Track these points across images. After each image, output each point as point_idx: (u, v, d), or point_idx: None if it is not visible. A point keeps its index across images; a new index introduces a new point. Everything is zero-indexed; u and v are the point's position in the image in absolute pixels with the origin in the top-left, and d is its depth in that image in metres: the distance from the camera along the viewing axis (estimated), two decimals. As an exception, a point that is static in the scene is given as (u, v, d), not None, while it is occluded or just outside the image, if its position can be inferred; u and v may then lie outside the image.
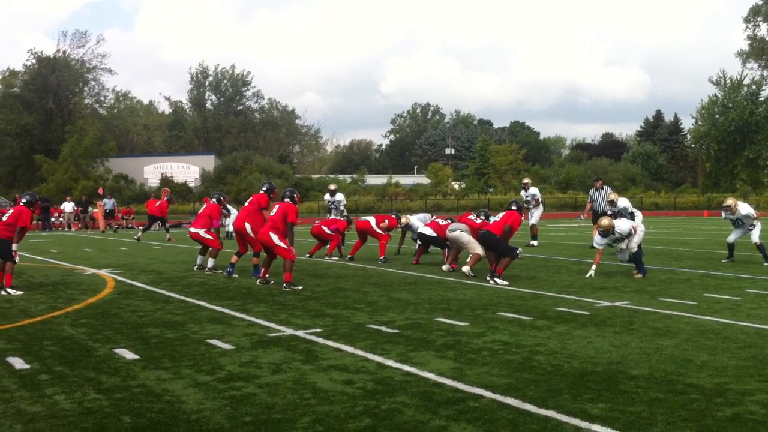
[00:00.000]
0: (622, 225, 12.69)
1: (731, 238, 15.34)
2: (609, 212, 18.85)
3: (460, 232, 13.27)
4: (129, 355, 6.72)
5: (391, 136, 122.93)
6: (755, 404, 5.04)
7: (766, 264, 14.29)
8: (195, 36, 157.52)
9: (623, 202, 16.39)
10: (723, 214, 15.47)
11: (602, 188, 19.60)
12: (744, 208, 15.01)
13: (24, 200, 11.48)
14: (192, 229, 14.39)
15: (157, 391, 5.49)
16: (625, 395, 5.29)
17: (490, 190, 71.09)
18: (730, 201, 15.19)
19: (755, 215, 15.10)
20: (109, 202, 34.79)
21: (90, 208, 37.88)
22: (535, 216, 20.09)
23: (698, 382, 5.62)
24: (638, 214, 15.17)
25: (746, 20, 77.41)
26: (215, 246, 14.04)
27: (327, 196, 20.39)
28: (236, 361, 6.42)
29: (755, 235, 14.84)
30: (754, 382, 5.63)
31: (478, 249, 12.94)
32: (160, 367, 6.24)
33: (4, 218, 11.13)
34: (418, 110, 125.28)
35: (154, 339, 7.48)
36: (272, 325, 8.25)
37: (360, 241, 16.55)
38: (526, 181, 21.02)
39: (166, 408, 5.08)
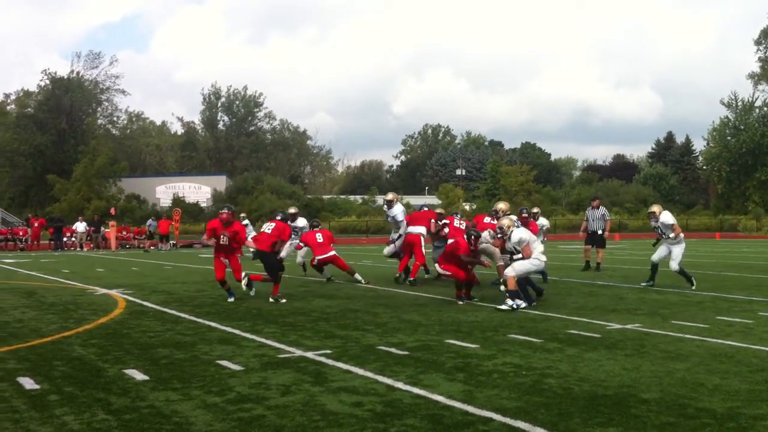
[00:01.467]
0: (515, 234, 11.61)
1: (655, 257, 14.70)
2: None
3: (485, 244, 13.22)
4: (139, 375, 6.73)
5: (402, 157, 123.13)
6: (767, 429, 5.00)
7: (693, 287, 13.88)
8: (208, 57, 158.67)
9: (542, 220, 17.13)
10: (652, 223, 14.70)
11: (598, 208, 19.52)
12: (665, 216, 14.32)
13: (279, 217, 13.46)
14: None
15: (166, 412, 5.49)
16: (637, 419, 5.25)
17: (501, 212, 70.83)
18: (655, 208, 14.63)
19: (674, 226, 14.29)
20: (153, 224, 35.57)
21: (102, 228, 38.07)
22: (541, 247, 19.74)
23: (710, 406, 5.57)
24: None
25: (757, 42, 77.50)
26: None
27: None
28: (246, 383, 6.41)
29: (674, 263, 14.17)
30: (766, 406, 5.58)
31: (500, 261, 13.08)
32: (170, 388, 6.23)
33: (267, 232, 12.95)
34: (429, 131, 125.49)
35: (163, 359, 7.49)
36: (282, 346, 8.24)
37: (407, 256, 15.78)
38: (535, 210, 20.57)
39: (175, 429, 5.07)
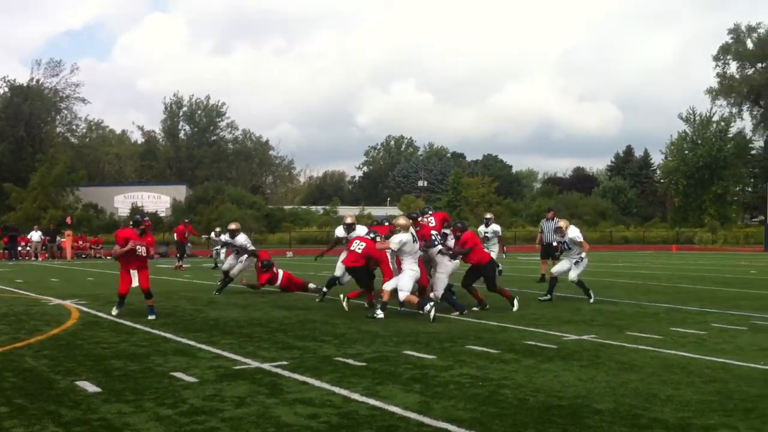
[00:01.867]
0: (394, 238, 11.74)
1: (555, 270, 14.56)
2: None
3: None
4: (91, 387, 6.61)
5: (365, 168, 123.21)
6: (718, 439, 5.06)
7: (591, 301, 13.81)
8: (172, 66, 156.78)
9: (494, 227, 18.34)
10: (555, 237, 14.70)
11: (553, 219, 19.50)
12: (573, 232, 14.08)
13: (371, 236, 12.88)
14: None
15: (118, 425, 5.40)
16: (590, 430, 5.28)
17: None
18: (561, 223, 14.42)
19: (583, 243, 14.09)
20: None
21: (58, 238, 37.49)
22: (494, 252, 18.36)
23: (662, 417, 5.63)
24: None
25: (716, 58, 79.00)
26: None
27: (225, 237, 17.21)
28: (200, 395, 6.34)
29: (573, 273, 14.05)
30: (718, 416, 5.65)
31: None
32: (122, 400, 6.14)
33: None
34: (392, 142, 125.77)
35: (117, 371, 7.37)
36: (238, 357, 8.17)
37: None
38: (488, 216, 19.59)
39: (126, 442, 4.99)
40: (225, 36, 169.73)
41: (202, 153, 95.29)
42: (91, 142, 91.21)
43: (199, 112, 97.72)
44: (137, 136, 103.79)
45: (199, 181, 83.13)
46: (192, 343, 9.19)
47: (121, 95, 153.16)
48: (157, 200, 70.61)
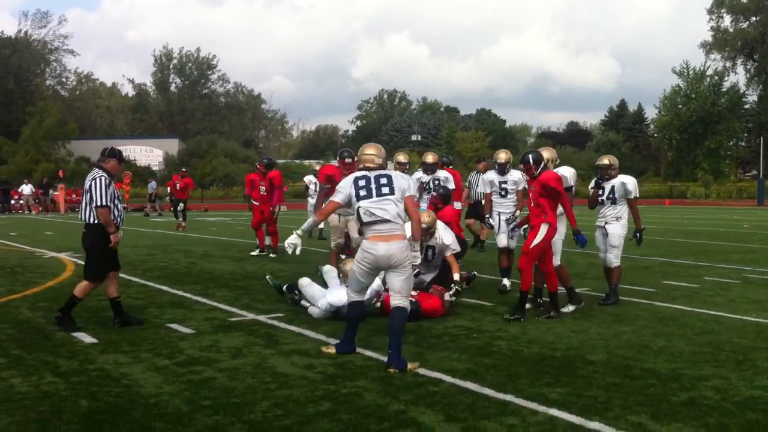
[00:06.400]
0: None
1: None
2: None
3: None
4: (87, 338, 6.65)
5: (358, 122, 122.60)
6: (709, 389, 5.13)
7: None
8: (161, 18, 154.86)
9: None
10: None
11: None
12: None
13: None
14: None
15: (115, 375, 5.44)
16: (583, 380, 5.35)
17: (456, 177, 71.18)
18: (609, 159, 9.32)
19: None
20: (153, 185, 34.42)
21: (51, 191, 37.38)
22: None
23: (654, 368, 5.69)
24: None
25: (710, 11, 78.38)
26: None
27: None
28: (196, 346, 6.38)
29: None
30: (709, 367, 5.72)
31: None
32: (119, 351, 6.18)
33: None
34: (385, 96, 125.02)
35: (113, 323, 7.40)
36: (234, 309, 8.20)
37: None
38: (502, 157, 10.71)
39: (124, 392, 5.03)
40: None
41: (194, 106, 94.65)
42: (81, 95, 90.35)
43: (190, 64, 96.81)
44: (128, 89, 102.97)
45: (191, 135, 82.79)
46: (188, 295, 9.22)
47: (111, 47, 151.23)
48: (150, 154, 70.31)
